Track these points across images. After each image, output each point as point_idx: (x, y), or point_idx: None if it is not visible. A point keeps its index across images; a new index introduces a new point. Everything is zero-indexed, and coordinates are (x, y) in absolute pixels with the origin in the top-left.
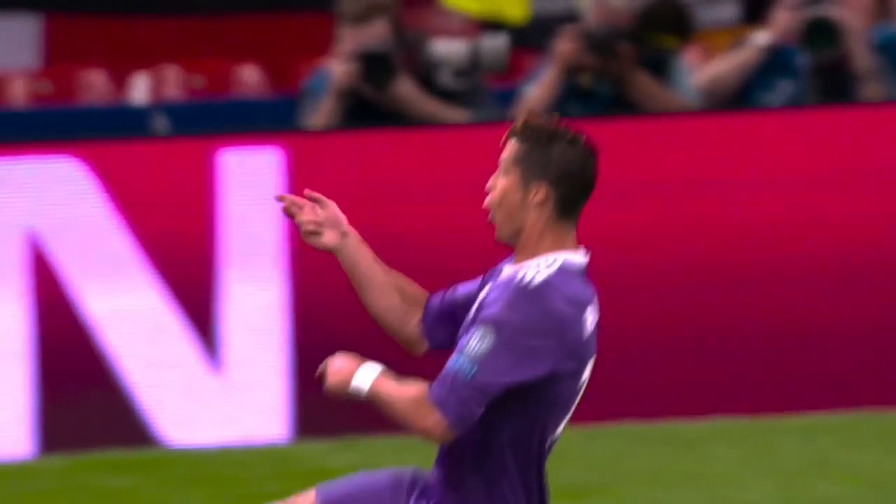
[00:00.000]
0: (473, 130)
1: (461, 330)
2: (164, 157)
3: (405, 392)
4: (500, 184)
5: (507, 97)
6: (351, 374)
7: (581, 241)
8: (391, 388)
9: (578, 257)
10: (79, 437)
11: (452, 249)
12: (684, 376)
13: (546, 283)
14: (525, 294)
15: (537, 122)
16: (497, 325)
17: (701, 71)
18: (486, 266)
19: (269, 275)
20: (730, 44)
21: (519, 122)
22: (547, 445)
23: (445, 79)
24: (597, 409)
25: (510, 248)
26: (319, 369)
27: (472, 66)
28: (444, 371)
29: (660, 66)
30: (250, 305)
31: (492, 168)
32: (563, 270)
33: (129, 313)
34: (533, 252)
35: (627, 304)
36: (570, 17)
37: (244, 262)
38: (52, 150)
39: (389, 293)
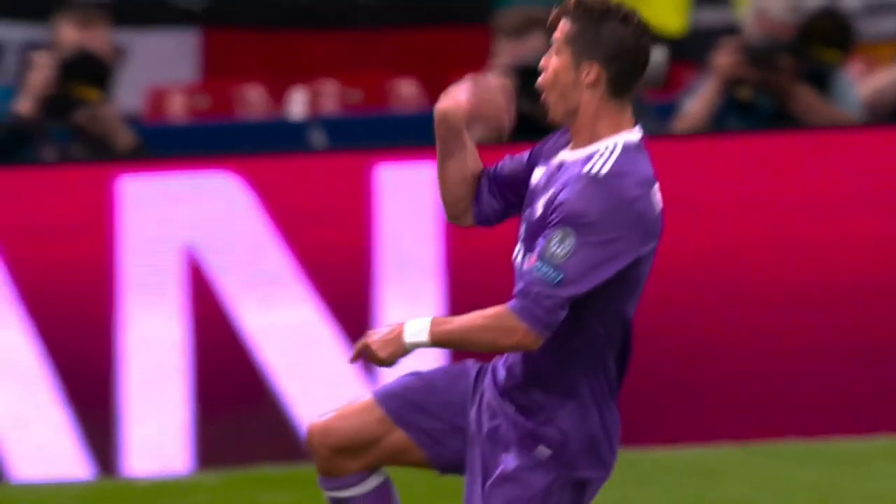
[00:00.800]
0: None
1: (525, 229)
2: (321, 171)
3: (481, 318)
4: (552, 64)
5: (666, 111)
6: (399, 335)
7: (745, 256)
8: (460, 322)
9: (635, 134)
10: (235, 452)
11: None
12: (848, 393)
13: (615, 171)
14: (597, 186)
15: (581, 5)
16: (575, 225)
17: (863, 84)
18: (660, 283)
19: (425, 289)
20: (893, 57)
21: (568, 5)
22: (627, 325)
23: None
24: (758, 426)
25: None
26: (354, 353)
27: None
28: (525, 281)
29: (821, 79)
30: (406, 320)
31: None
32: (626, 151)
33: (285, 328)
34: (591, 134)
35: (789, 320)
36: (730, 30)
37: (400, 276)
38: (209, 165)
39: (462, 176)
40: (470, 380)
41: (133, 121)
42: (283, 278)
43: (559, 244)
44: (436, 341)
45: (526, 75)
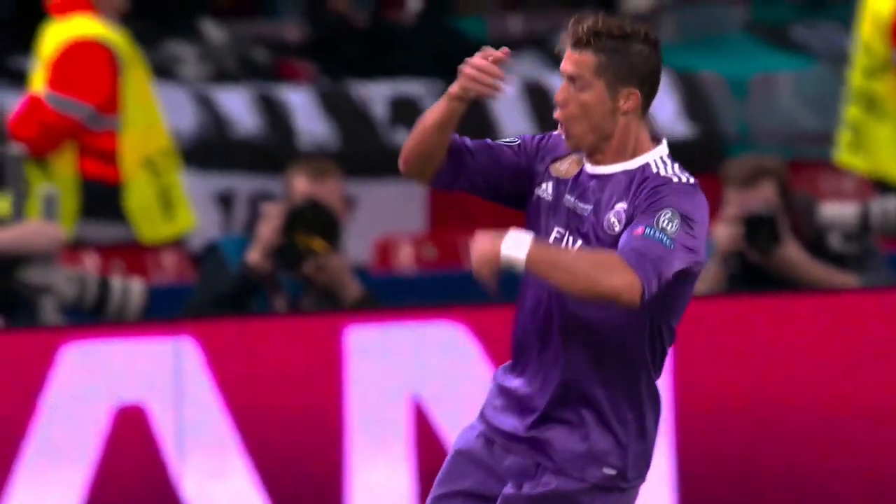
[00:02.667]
0: (865, 296)
1: (581, 244)
2: None
3: (590, 253)
4: (580, 98)
5: None
6: (496, 247)
7: None
8: (564, 252)
9: (665, 145)
10: None
11: (842, 420)
12: None
13: (695, 180)
14: (692, 192)
15: (603, 28)
16: (679, 214)
17: None
18: (883, 445)
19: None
20: None
21: (583, 33)
22: (674, 335)
23: (835, 242)
24: None
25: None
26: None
27: (863, 230)
28: (636, 244)
29: None
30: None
31: (887, 335)
32: (677, 164)
33: None
34: (634, 152)
35: None
36: None
37: None
38: (436, 315)
39: (444, 146)
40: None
41: (361, 271)
42: None
43: (668, 221)
44: (532, 260)
45: (755, 225)
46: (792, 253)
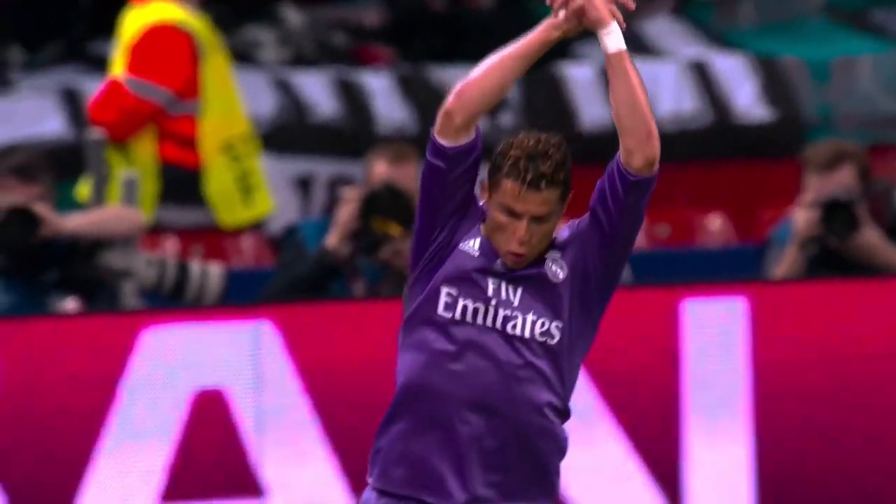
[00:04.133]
0: None
1: (522, 295)
2: (626, 306)
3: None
4: (545, 229)
5: None
6: (609, 14)
7: None
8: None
9: None
10: None
11: None
12: None
13: None
14: None
15: (555, 160)
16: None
17: None
18: None
19: (734, 429)
20: None
21: (547, 175)
22: None
23: None
24: None
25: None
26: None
27: None
28: None
29: None
30: (714, 463)
31: None
32: None
33: (593, 466)
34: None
35: None
36: None
37: (708, 413)
38: None
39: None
40: None
41: None
42: (589, 415)
43: None
44: (623, 57)
45: (834, 210)
46: (870, 238)
